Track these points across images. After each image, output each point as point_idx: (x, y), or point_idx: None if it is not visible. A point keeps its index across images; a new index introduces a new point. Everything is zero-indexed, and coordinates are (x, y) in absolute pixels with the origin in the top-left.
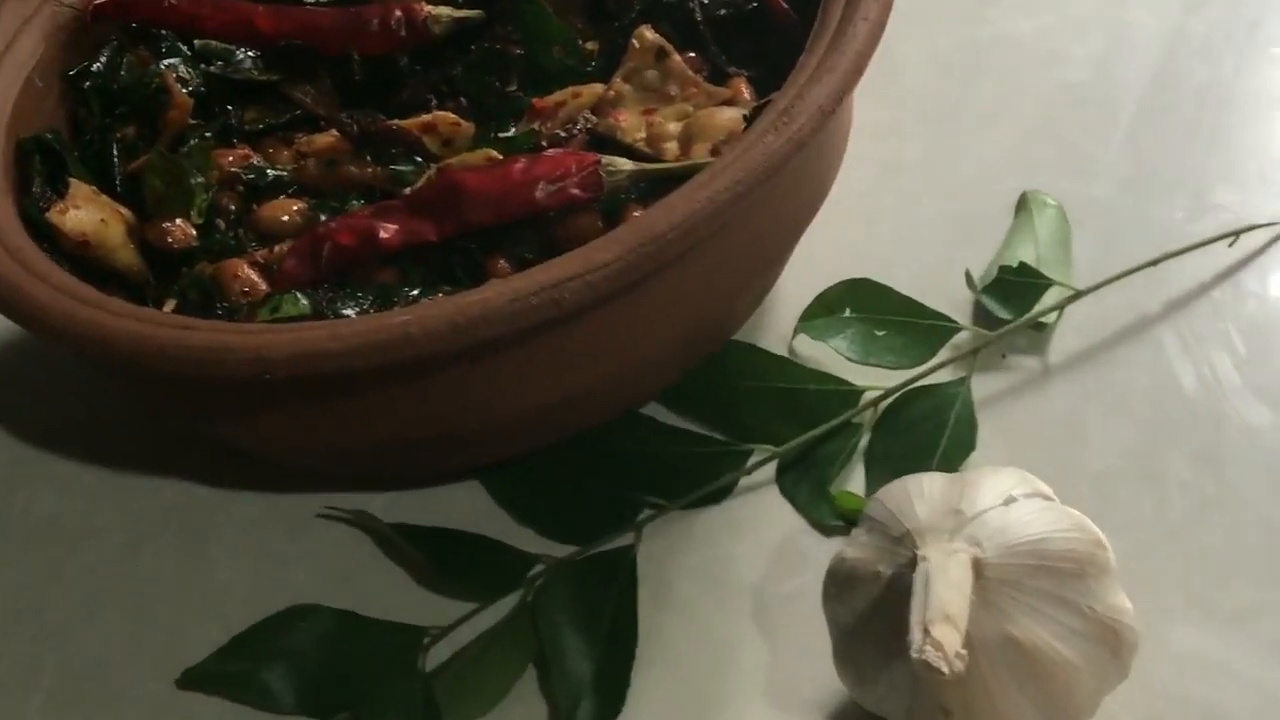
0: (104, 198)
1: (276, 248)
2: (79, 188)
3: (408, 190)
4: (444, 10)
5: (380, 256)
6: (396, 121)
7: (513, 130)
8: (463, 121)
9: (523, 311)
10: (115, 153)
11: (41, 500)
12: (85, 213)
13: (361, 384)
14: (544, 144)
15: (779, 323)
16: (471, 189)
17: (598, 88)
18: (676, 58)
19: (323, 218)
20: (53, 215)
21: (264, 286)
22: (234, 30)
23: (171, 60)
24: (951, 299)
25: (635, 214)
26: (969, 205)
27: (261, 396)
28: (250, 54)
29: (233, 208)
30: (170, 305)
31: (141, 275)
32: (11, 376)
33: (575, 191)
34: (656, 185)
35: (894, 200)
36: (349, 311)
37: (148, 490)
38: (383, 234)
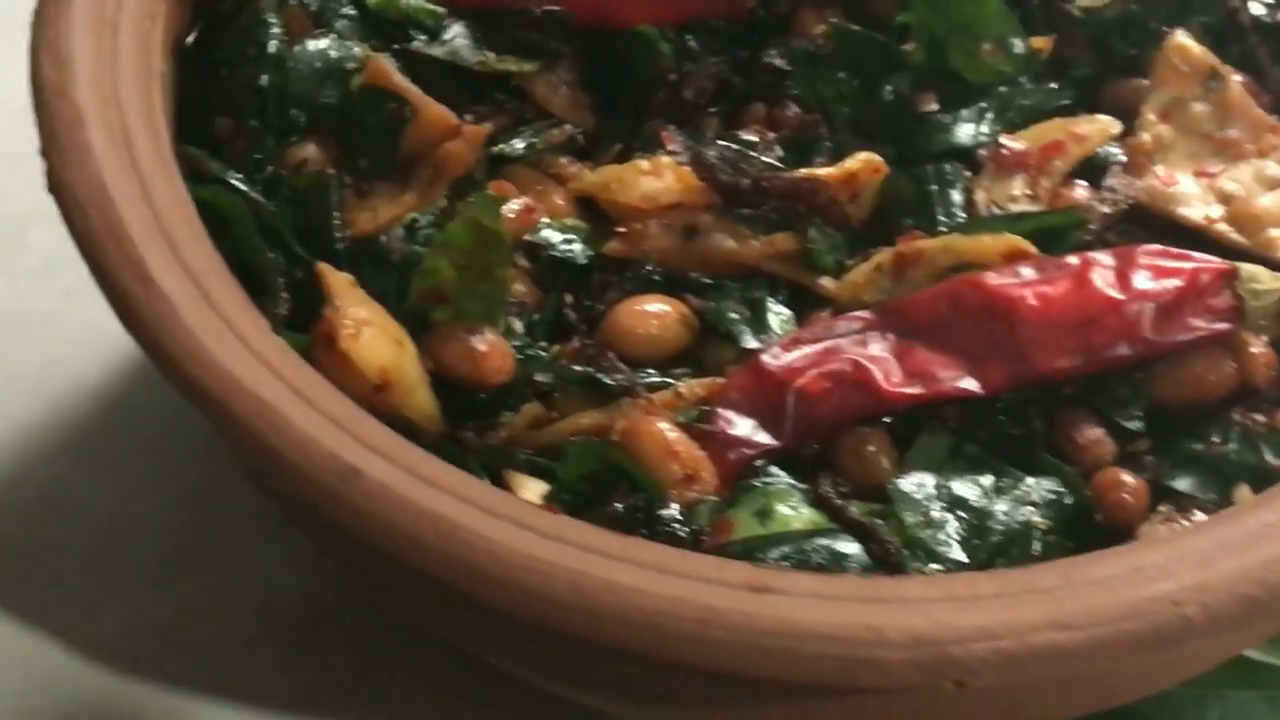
0: (360, 292)
1: (683, 389)
2: (337, 281)
3: (827, 284)
4: None
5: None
6: (811, 172)
7: (981, 191)
8: (883, 166)
9: None
10: (337, 204)
11: None
12: (378, 333)
13: None
14: (1092, 228)
15: None
16: (1031, 315)
17: (1106, 124)
18: (1236, 84)
19: (746, 337)
20: (345, 342)
21: (711, 474)
22: None
23: (336, 27)
24: None
25: None
26: None
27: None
28: (458, 22)
29: (526, 301)
30: (531, 491)
31: (440, 430)
32: None
33: (1203, 323)
34: None
35: None
36: (938, 538)
37: None
38: (882, 381)
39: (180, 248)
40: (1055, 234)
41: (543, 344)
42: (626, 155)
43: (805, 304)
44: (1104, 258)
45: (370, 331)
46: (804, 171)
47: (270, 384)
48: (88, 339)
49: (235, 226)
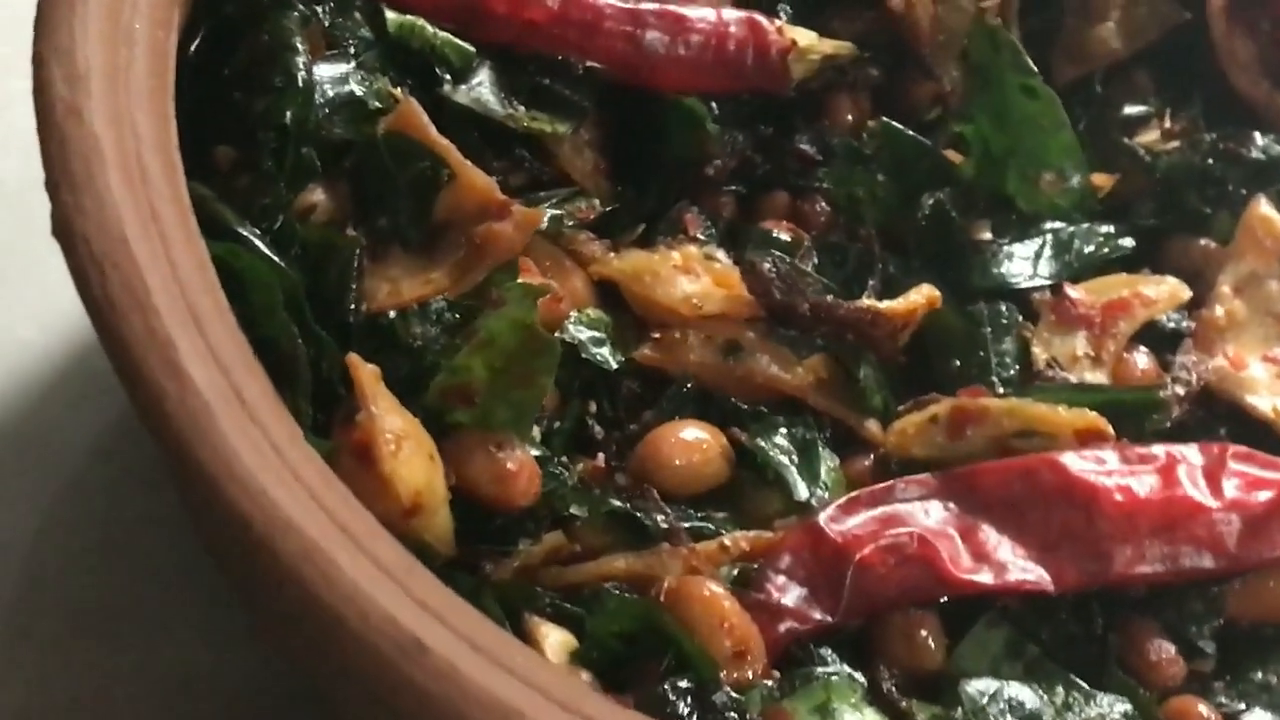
0: (388, 392)
1: (728, 541)
2: (369, 378)
3: (874, 430)
4: (811, 41)
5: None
6: (873, 304)
7: (1040, 344)
8: (939, 300)
9: None
10: (356, 272)
11: None
12: (415, 448)
13: None
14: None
15: None
16: (1113, 510)
17: (1175, 288)
18: None
19: (799, 488)
20: (387, 461)
21: (761, 652)
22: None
23: (353, 59)
24: None
25: None
26: None
27: None
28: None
29: (544, 404)
30: (554, 641)
31: (452, 554)
32: None
33: None
34: None
35: None
36: None
37: None
38: (949, 563)
39: (205, 326)
40: (1127, 411)
41: (563, 459)
42: (649, 236)
43: (844, 443)
44: (1191, 455)
45: (409, 447)
46: (866, 302)
47: (315, 517)
48: None
49: (254, 297)
